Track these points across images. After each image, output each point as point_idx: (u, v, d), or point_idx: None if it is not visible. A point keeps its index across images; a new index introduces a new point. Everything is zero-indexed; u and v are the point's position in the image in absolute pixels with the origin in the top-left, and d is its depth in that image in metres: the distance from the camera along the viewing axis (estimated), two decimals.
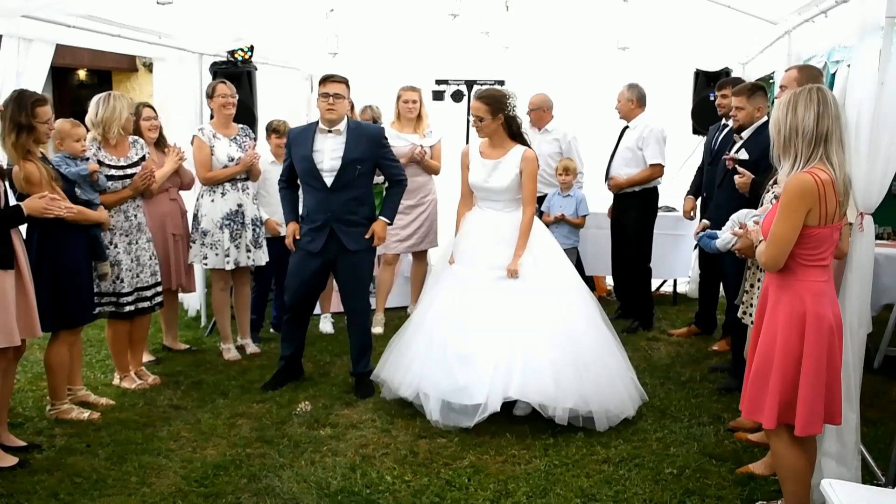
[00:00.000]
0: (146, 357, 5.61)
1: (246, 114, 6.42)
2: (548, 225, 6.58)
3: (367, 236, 4.97)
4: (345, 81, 4.97)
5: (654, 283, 7.47)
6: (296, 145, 4.98)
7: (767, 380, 3.33)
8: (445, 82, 8.01)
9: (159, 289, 5.30)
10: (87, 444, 4.26)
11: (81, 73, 12.96)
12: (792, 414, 3.24)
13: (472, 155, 4.89)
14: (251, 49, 6.65)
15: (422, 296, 5.14)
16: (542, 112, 6.96)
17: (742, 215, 4.17)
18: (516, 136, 4.80)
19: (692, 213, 6.42)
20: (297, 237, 5.02)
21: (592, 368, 4.46)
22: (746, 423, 4.32)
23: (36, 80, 4.91)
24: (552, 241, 4.99)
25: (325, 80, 4.93)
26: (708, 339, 6.37)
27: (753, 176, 4.69)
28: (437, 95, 7.66)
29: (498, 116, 4.70)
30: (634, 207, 6.58)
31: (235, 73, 6.51)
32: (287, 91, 8.20)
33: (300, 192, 5.20)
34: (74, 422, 4.55)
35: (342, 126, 4.94)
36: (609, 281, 8.00)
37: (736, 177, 4.80)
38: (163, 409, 4.83)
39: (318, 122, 4.99)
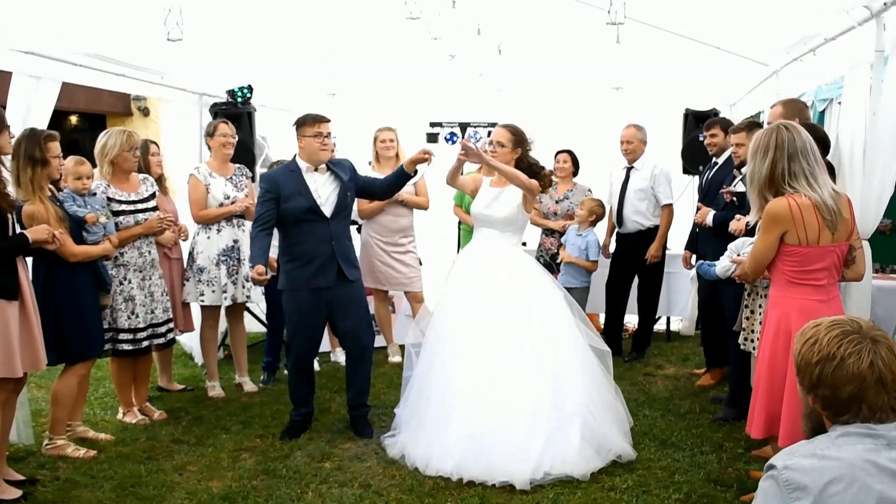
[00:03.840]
0: None
1: (245, 154, 6.51)
2: (562, 263, 6.70)
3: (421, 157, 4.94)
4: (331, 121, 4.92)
5: None
6: (285, 188, 4.78)
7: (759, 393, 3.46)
8: (439, 125, 8.18)
9: (171, 325, 5.33)
10: (91, 477, 4.24)
11: (73, 119, 13.07)
12: (779, 426, 3.34)
13: (484, 182, 4.94)
14: (250, 89, 6.76)
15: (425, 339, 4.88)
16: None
17: (739, 244, 4.36)
18: (533, 175, 4.76)
19: (691, 263, 6.52)
20: (263, 278, 4.71)
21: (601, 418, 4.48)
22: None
23: (41, 119, 4.96)
24: (547, 278, 4.94)
25: (319, 120, 4.83)
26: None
27: (749, 219, 4.81)
28: (432, 137, 7.79)
29: (516, 150, 4.76)
30: (649, 243, 6.68)
31: (235, 113, 6.61)
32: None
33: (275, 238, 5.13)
34: (70, 458, 4.51)
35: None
36: (603, 319, 8.05)
37: (732, 223, 4.90)
38: (165, 443, 4.80)
39: (295, 163, 4.88)
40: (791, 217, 3.30)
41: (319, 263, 4.81)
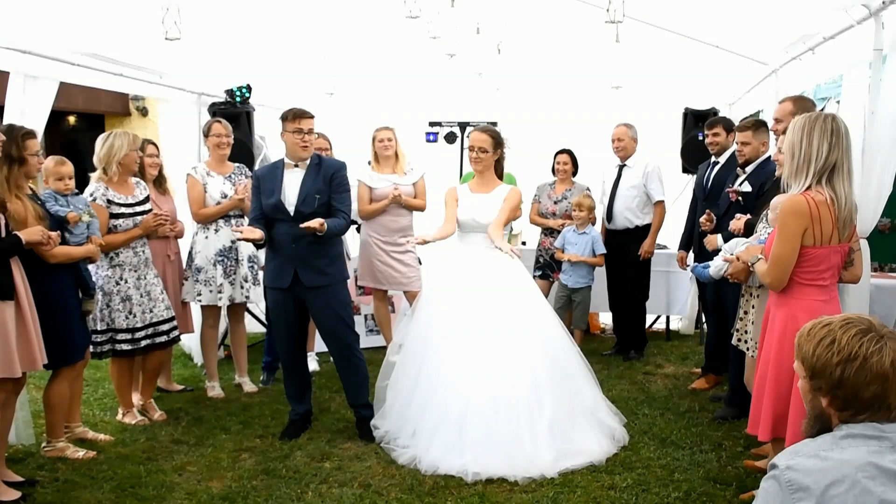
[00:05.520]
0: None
1: (244, 154, 6.50)
2: (561, 261, 6.71)
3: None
4: (314, 117, 4.82)
5: (648, 319, 7.54)
6: (264, 184, 4.81)
7: (764, 394, 3.43)
8: (439, 124, 8.16)
9: (175, 322, 5.31)
10: (91, 478, 4.23)
11: (71, 119, 13.04)
12: (785, 427, 3.31)
13: (461, 191, 5.02)
14: (249, 89, 6.75)
15: (414, 327, 5.00)
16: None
17: (733, 245, 4.34)
18: (501, 176, 5.05)
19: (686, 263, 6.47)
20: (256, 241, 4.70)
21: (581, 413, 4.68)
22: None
23: (39, 119, 4.93)
24: (526, 276, 5.05)
25: (300, 116, 4.75)
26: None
27: (749, 216, 4.79)
28: (431, 137, 7.78)
29: (497, 151, 4.93)
30: (637, 241, 6.70)
31: (234, 112, 6.59)
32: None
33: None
34: (69, 459, 4.50)
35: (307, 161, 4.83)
36: (602, 318, 8.06)
37: (732, 221, 4.89)
38: (165, 444, 4.80)
39: (282, 160, 4.88)
40: (810, 214, 3.24)
41: (279, 264, 4.79)
